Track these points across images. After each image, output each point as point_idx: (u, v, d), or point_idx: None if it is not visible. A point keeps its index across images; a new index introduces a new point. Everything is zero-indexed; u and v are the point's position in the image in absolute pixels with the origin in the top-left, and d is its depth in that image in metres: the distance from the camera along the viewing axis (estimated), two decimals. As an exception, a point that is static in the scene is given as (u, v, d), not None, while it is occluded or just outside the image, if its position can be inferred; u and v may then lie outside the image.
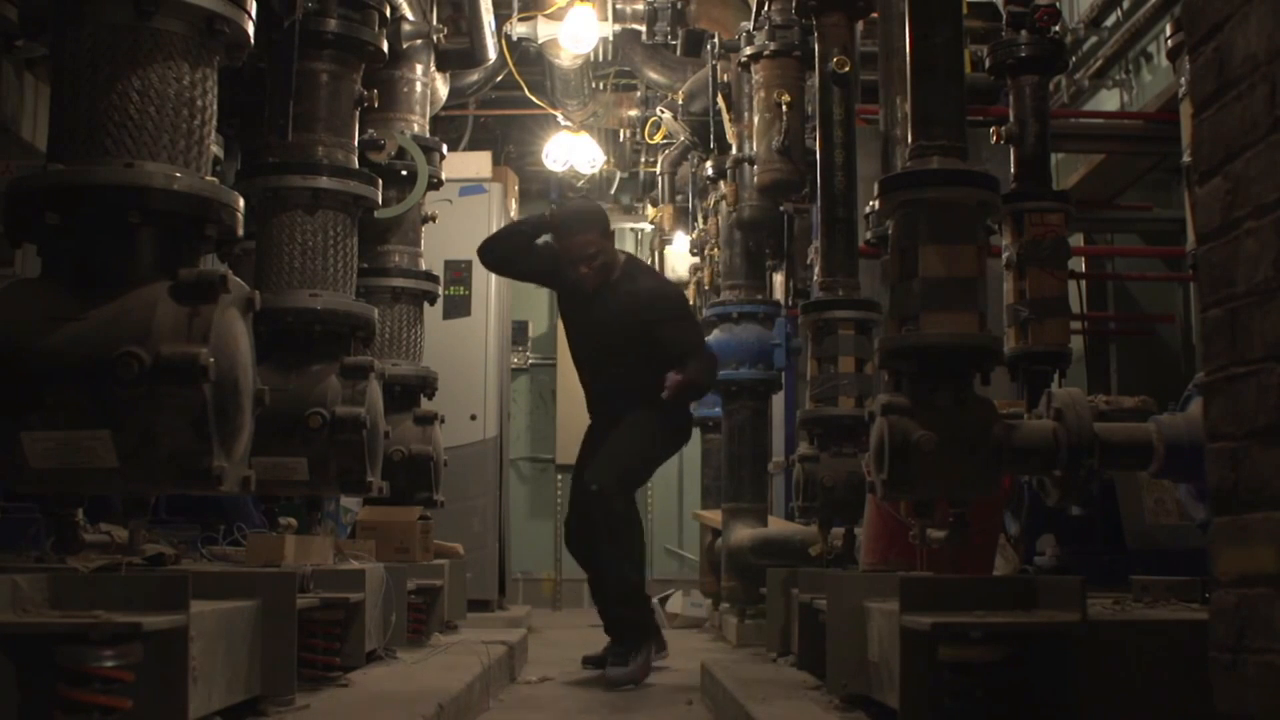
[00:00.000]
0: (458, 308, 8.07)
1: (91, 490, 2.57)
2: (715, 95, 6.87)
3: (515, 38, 8.14)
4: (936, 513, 2.91)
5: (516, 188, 9.90)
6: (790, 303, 6.77)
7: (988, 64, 4.22)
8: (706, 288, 8.47)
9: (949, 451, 2.74)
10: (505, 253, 5.39)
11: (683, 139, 8.49)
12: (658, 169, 10.46)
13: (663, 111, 8.48)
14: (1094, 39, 6.30)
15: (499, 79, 7.94)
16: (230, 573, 2.98)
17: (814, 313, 4.54)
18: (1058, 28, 4.21)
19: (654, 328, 5.08)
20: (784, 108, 5.56)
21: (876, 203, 3.89)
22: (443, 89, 6.12)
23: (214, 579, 2.74)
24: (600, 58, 9.02)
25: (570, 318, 5.43)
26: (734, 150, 6.61)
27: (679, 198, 10.01)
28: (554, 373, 11.72)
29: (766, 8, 5.85)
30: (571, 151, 10.31)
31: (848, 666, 2.96)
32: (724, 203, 6.98)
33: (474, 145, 9.75)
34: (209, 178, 2.61)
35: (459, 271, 8.05)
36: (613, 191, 12.12)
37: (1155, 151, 5.69)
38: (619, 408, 5.15)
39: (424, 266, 5.48)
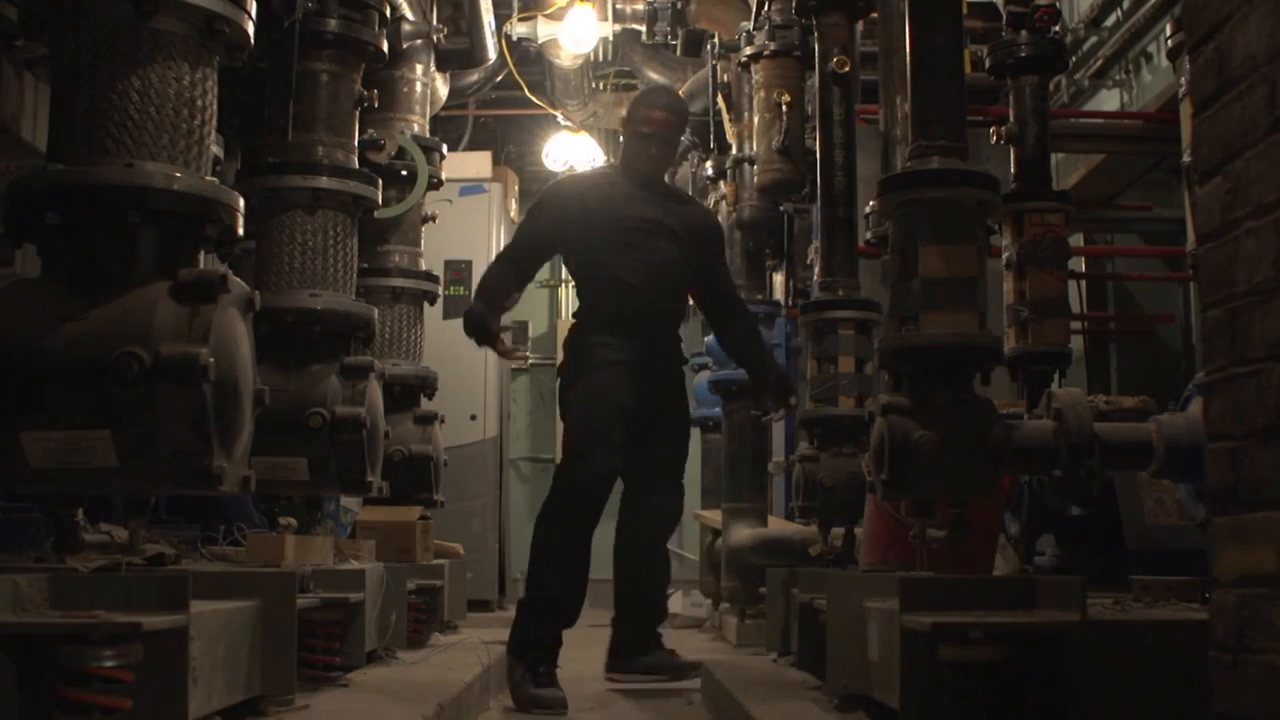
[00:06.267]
0: (458, 308, 8.03)
1: (91, 490, 2.57)
2: (715, 95, 6.88)
3: (515, 38, 8.16)
4: (936, 513, 2.90)
5: (516, 188, 9.93)
6: (790, 303, 6.76)
7: (988, 64, 4.22)
8: (706, 288, 8.47)
9: (949, 452, 2.74)
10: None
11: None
12: (657, 169, 10.44)
13: (663, 111, 8.46)
14: (1094, 39, 6.30)
15: (499, 79, 7.96)
16: (230, 573, 2.98)
17: (814, 313, 4.53)
18: (1058, 28, 4.21)
19: (713, 263, 4.50)
20: (784, 108, 5.56)
21: (876, 203, 3.89)
22: (443, 89, 6.13)
23: (214, 579, 2.73)
24: (600, 58, 9.02)
25: (608, 220, 4.30)
26: (734, 150, 6.61)
27: (679, 198, 9.99)
28: (554, 372, 11.65)
29: (766, 8, 5.85)
30: (571, 151, 10.33)
31: (848, 666, 2.96)
32: (724, 203, 6.98)
33: (474, 145, 9.76)
34: (209, 178, 2.61)
35: (459, 271, 8.07)
36: (613, 191, 12.10)
37: (1155, 151, 5.70)
38: (668, 369, 4.43)
39: (424, 266, 5.49)
